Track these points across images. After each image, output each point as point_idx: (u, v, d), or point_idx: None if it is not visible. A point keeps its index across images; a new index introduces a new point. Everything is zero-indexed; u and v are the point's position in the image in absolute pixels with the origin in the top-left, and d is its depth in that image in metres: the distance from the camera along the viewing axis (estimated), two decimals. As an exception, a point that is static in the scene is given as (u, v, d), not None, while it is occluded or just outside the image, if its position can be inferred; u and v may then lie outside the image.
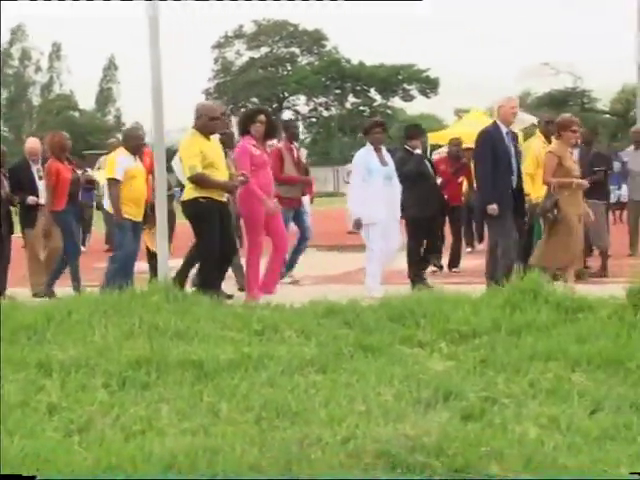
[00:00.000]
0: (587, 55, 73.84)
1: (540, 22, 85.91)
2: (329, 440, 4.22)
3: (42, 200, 10.56)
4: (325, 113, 73.98)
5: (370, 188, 9.70)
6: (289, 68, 73.99)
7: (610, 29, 73.75)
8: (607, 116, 57.06)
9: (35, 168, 10.86)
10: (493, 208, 8.92)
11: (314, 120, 73.61)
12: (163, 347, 5.97)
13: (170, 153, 9.61)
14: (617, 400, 4.99)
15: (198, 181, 8.67)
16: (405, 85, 71.60)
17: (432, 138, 24.67)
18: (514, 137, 9.42)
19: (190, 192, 8.78)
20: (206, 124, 8.84)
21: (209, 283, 8.58)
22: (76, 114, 69.02)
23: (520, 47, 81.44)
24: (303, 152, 12.59)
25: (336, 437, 4.27)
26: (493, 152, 9.06)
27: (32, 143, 11.16)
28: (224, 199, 8.94)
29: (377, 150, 9.92)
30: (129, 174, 9.62)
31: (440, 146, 25.30)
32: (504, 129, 9.13)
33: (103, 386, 5.29)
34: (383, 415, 4.65)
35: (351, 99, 73.12)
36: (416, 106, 68.21)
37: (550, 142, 9.85)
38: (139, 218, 9.77)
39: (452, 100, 56.84)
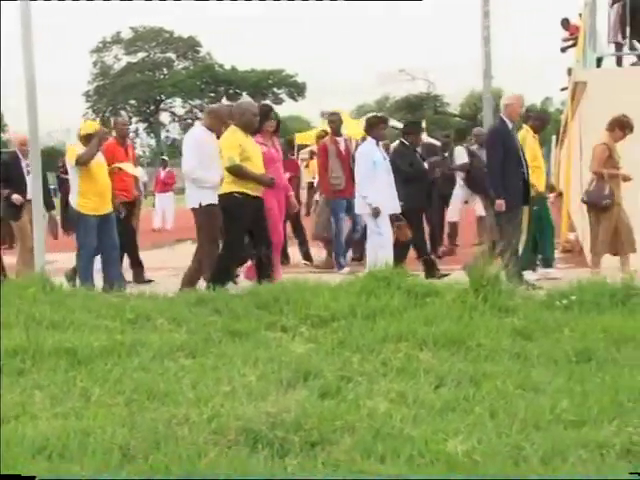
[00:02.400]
0: (439, 62, 75.48)
1: (397, 29, 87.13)
2: (195, 419, 4.22)
3: (29, 196, 9.99)
4: (200, 115, 73.39)
5: (377, 180, 9.68)
6: (165, 72, 73.20)
7: (460, 37, 75.34)
8: (457, 119, 58.35)
9: (24, 163, 10.21)
10: (500, 203, 8.97)
11: (190, 121, 72.99)
12: (39, 336, 5.84)
13: (56, 153, 9.38)
14: (458, 375, 5.12)
15: (235, 172, 8.54)
16: (275, 89, 71.82)
17: (299, 138, 24.98)
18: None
19: (227, 186, 8.63)
20: (250, 120, 8.78)
21: (222, 274, 8.45)
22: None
23: (379, 54, 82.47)
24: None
25: (202, 416, 4.27)
26: (504, 148, 9.09)
27: (22, 142, 10.32)
28: (259, 193, 8.74)
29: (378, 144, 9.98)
30: (89, 169, 9.12)
31: (307, 145, 25.60)
32: (510, 124, 9.21)
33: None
34: (247, 395, 4.67)
35: (225, 102, 72.83)
36: (285, 109, 68.56)
37: (538, 134, 10.08)
38: (104, 211, 9.29)
39: (318, 103, 57.28)
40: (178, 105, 73.45)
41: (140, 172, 12.05)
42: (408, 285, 7.30)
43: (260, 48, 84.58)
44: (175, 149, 53.00)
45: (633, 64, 11.77)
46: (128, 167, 10.42)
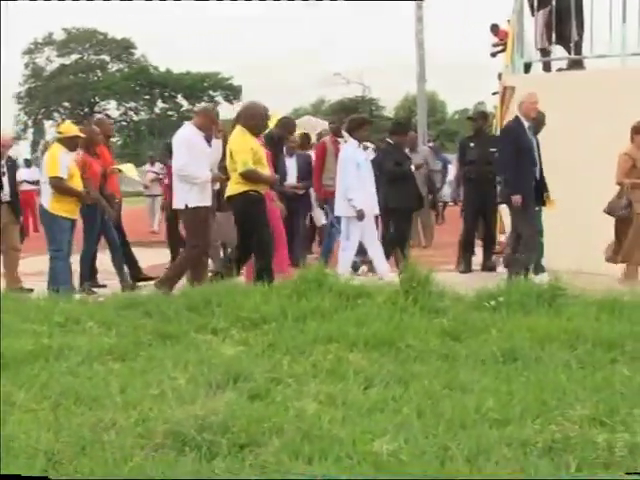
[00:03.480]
0: (374, 65, 76.00)
1: (332, 33, 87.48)
2: (123, 423, 4.18)
3: (3, 196, 9.89)
4: (135, 117, 72.89)
5: (360, 182, 9.70)
6: (99, 74, 72.37)
7: (394, 41, 75.94)
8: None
9: (1, 162, 10.00)
10: (517, 199, 9.06)
11: (125, 124, 72.30)
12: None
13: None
14: (387, 376, 5.15)
15: (250, 176, 8.62)
16: (210, 92, 71.47)
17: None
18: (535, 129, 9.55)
19: (238, 187, 8.67)
20: (259, 124, 8.89)
21: (268, 271, 8.51)
22: None
23: (316, 57, 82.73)
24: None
25: (130, 420, 4.23)
26: (516, 146, 9.18)
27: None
28: (265, 193, 8.89)
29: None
30: (68, 173, 9.14)
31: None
32: (526, 123, 9.31)
33: None
34: (176, 398, 4.63)
35: (160, 104, 72.32)
36: (221, 112, 68.28)
37: None
38: (76, 216, 9.40)
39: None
40: (112, 107, 72.67)
41: (135, 173, 12.04)
42: (339, 287, 7.30)
43: (195, 51, 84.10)
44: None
45: (559, 69, 11.97)
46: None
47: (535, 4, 11.46)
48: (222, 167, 9.17)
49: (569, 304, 6.93)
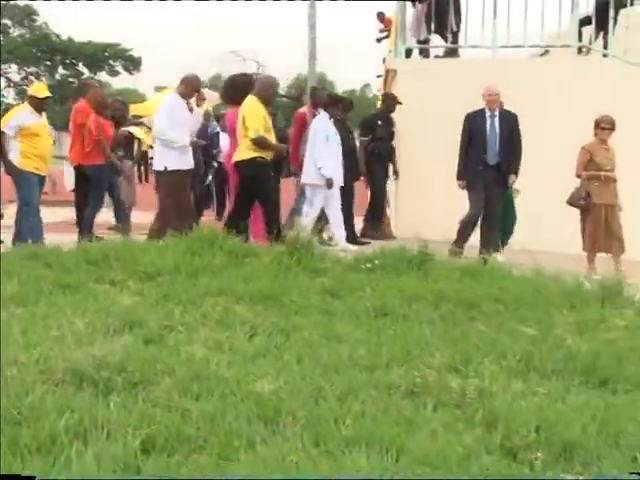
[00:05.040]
0: (269, 44, 75.59)
1: (228, 11, 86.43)
2: (24, 361, 4.23)
3: None
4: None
5: (329, 153, 9.71)
6: (1, 39, 69.76)
7: (288, 22, 75.67)
8: (284, 100, 58.69)
9: None
10: (459, 183, 9.25)
11: (25, 87, 69.97)
12: None
13: None
14: (270, 327, 5.30)
15: (260, 142, 8.64)
16: (111, 61, 69.79)
17: (133, 110, 24.48)
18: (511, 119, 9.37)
19: (247, 152, 8.67)
20: (269, 96, 8.95)
21: (277, 226, 8.77)
22: None
23: (212, 35, 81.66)
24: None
25: (31, 358, 4.28)
26: (470, 133, 9.25)
27: None
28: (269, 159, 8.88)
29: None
30: (29, 130, 8.99)
31: (141, 117, 25.11)
32: (488, 112, 9.27)
33: None
34: (75, 341, 4.69)
35: (61, 71, 70.23)
36: (121, 81, 66.89)
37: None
38: (43, 173, 9.27)
39: (152, 77, 56.28)
40: (14, 71, 70.20)
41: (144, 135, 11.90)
42: (229, 246, 7.41)
43: (97, 23, 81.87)
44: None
45: (436, 56, 12.31)
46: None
47: (416, -4, 11.74)
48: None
49: (436, 268, 7.23)
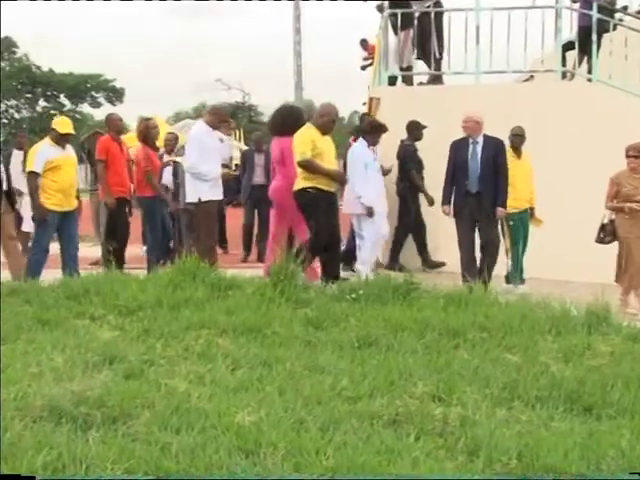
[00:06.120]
0: (255, 73, 76.13)
1: (215, 40, 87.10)
2: (3, 397, 4.28)
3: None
4: (17, 115, 70.81)
5: (368, 181, 9.59)
6: (-20, 73, 70.02)
7: (274, 50, 76.30)
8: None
9: None
10: (443, 208, 9.27)
11: (6, 121, 70.16)
12: None
13: None
14: (253, 359, 5.37)
15: (306, 166, 8.48)
16: (93, 93, 70.07)
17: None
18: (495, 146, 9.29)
19: (300, 182, 8.54)
20: (328, 124, 8.77)
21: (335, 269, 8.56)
22: None
23: (196, 64, 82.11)
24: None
25: (9, 395, 4.32)
26: (454, 160, 9.25)
27: None
28: (332, 189, 8.71)
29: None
30: (51, 164, 8.96)
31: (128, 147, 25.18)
32: (470, 140, 9.23)
33: None
34: (54, 377, 4.74)
35: (42, 103, 70.48)
36: (104, 112, 67.21)
37: (518, 154, 9.79)
38: (67, 207, 9.16)
39: (136, 108, 56.48)
40: (-6, 104, 70.44)
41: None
42: (212, 279, 7.48)
43: (77, 53, 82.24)
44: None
45: (420, 83, 12.47)
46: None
47: (398, 24, 11.89)
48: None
49: (421, 297, 7.31)
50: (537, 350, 5.68)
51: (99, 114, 66.90)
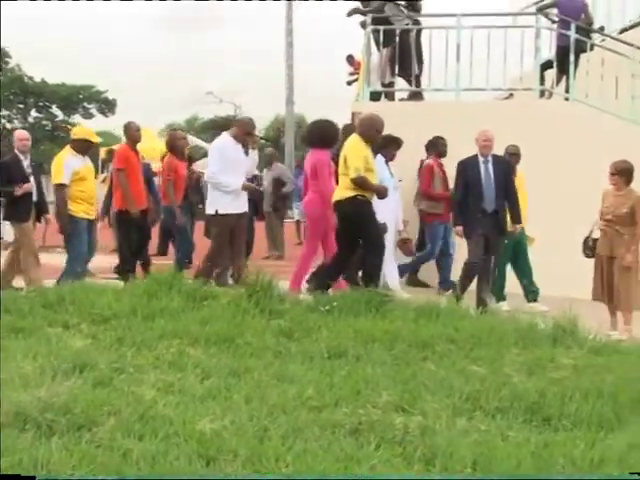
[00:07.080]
0: (246, 86, 76.29)
1: (206, 53, 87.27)
2: (-31, 405, 4.30)
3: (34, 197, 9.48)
4: (8, 125, 70.75)
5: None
6: (-26, 83, 70.00)
7: (266, 64, 76.54)
8: (263, 141, 59.01)
9: (26, 163, 9.48)
10: (458, 230, 9.15)
11: (-1, 131, 70.15)
12: None
13: None
14: (223, 369, 5.41)
15: (360, 183, 8.46)
16: (85, 104, 70.10)
17: (108, 152, 24.60)
18: (504, 165, 9.27)
19: (347, 191, 8.49)
20: (374, 135, 8.73)
21: (377, 273, 8.48)
22: None
23: (188, 76, 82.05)
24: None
25: (-26, 401, 4.35)
26: (465, 179, 9.12)
27: (22, 136, 9.74)
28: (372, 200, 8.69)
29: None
30: (77, 175, 9.08)
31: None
32: (481, 158, 9.11)
33: None
34: (23, 384, 4.76)
35: (34, 114, 70.47)
36: (96, 123, 67.23)
37: (514, 173, 9.57)
38: (92, 216, 9.40)
39: (128, 120, 56.44)
40: (-15, 115, 70.35)
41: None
42: (188, 289, 7.53)
43: (69, 64, 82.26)
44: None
45: (401, 99, 12.56)
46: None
47: (381, 40, 11.99)
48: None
49: (393, 309, 7.36)
50: (502, 362, 5.74)
51: (91, 125, 67.13)
